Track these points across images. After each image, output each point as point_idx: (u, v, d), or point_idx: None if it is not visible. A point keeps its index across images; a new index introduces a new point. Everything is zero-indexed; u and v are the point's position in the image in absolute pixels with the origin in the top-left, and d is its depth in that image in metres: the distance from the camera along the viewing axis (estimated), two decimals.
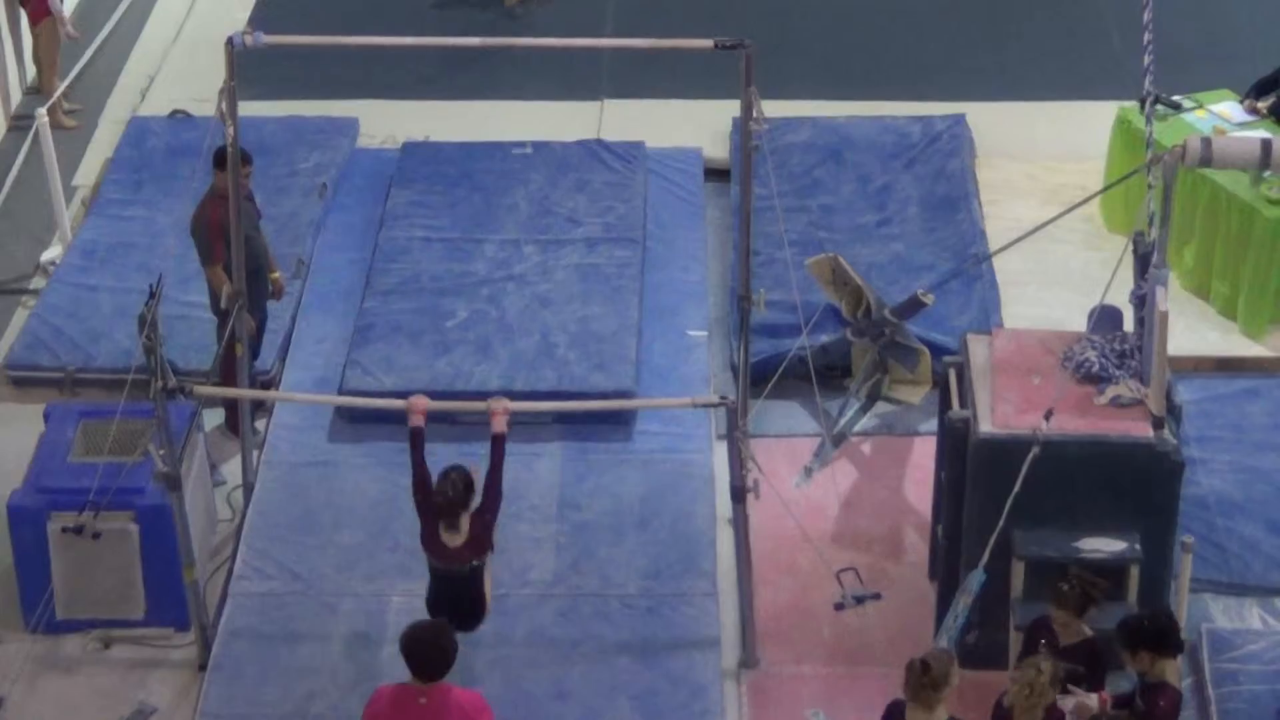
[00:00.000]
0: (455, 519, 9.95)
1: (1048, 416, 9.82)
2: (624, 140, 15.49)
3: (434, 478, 10.05)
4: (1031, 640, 9.74)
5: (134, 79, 16.97)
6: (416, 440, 10.12)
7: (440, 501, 9.95)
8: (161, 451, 10.42)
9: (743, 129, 11.32)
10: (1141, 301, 10.26)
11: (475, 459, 12.35)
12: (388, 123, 15.95)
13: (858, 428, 12.87)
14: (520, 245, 14.22)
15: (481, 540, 10.04)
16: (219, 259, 12.15)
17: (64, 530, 11.00)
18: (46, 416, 11.83)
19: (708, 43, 11.07)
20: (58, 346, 13.41)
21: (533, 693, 10.88)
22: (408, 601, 11.31)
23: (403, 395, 10.49)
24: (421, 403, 10.18)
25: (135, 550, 11.15)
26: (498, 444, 10.12)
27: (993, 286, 13.77)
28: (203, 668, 11.05)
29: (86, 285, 13.99)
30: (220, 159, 12.09)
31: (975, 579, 9.75)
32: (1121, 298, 10.46)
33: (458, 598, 10.11)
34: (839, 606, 10.44)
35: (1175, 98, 14.35)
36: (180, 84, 16.61)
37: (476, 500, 10.04)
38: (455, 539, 10.01)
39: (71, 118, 16.30)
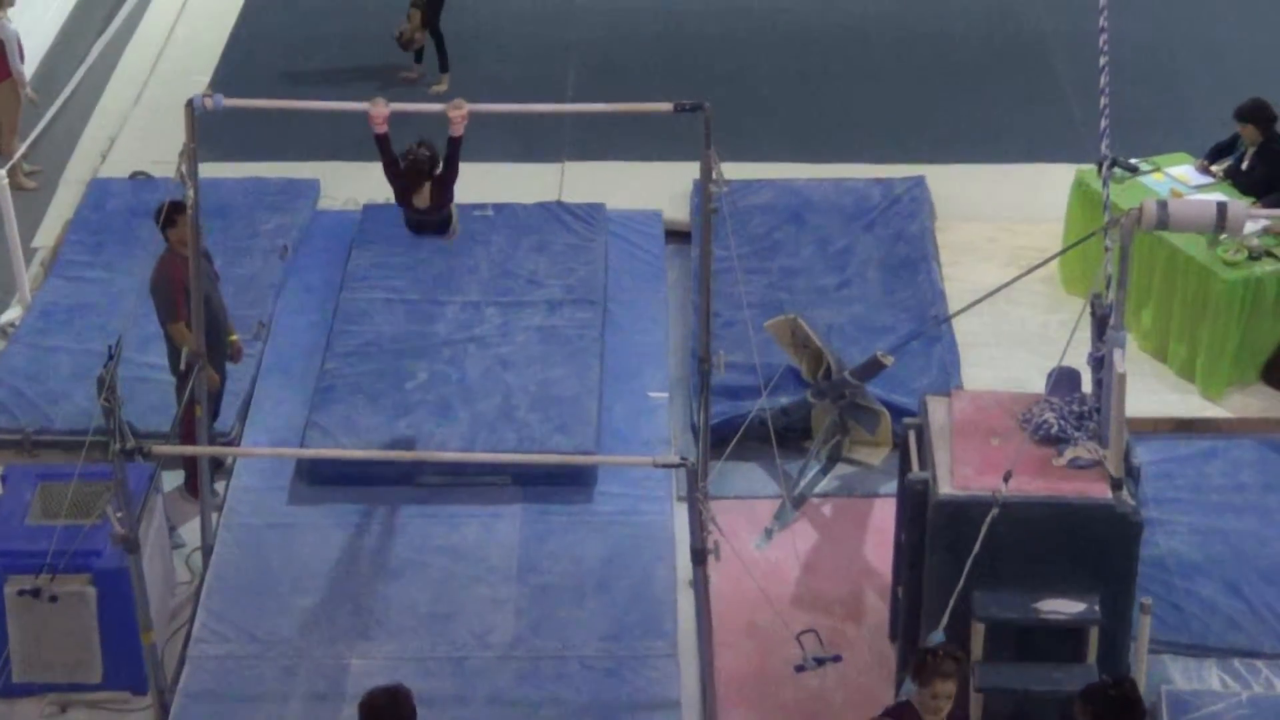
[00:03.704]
0: (420, 183, 11.55)
1: (1007, 478, 9.83)
2: (585, 202, 15.54)
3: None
4: None
5: (94, 141, 16.97)
6: (383, 144, 11.36)
7: (407, 167, 11.51)
8: (119, 514, 10.35)
9: (703, 191, 11.35)
10: (1100, 363, 10.30)
11: (438, 519, 12.41)
12: (349, 184, 15.96)
13: (818, 489, 12.88)
14: (481, 307, 14.23)
15: (443, 197, 11.64)
16: (181, 316, 12.10)
17: (20, 593, 10.93)
18: (4, 478, 11.78)
19: (667, 105, 11.12)
20: (16, 408, 13.36)
21: None
22: (367, 664, 11.27)
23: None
24: (382, 111, 11.18)
25: (92, 613, 11.08)
26: (454, 145, 11.36)
27: (952, 348, 13.82)
28: None
29: (45, 347, 13.94)
30: (163, 217, 12.08)
31: (935, 640, 9.74)
32: (1080, 359, 10.49)
33: (431, 227, 11.97)
34: (799, 668, 10.40)
35: (1132, 161, 14.45)
36: (141, 146, 16.61)
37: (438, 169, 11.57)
38: (422, 200, 11.60)
39: (31, 179, 16.29)
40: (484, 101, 11.80)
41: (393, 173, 11.61)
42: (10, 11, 16.01)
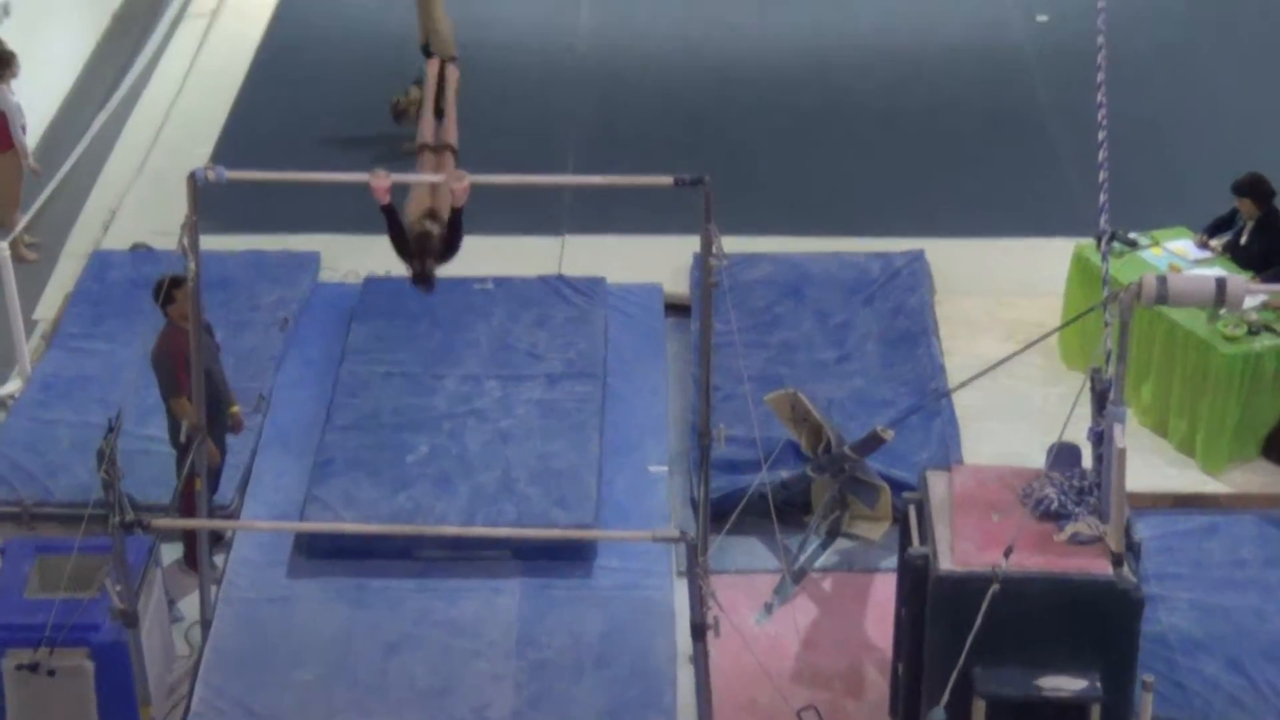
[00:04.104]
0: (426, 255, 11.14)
1: (1007, 554, 9.80)
2: (585, 276, 15.56)
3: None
4: None
5: (96, 213, 17.00)
6: (389, 215, 11.00)
7: (415, 244, 11.08)
8: (118, 587, 10.34)
9: (703, 265, 11.36)
10: (1100, 438, 10.29)
11: (437, 593, 12.38)
12: (349, 257, 15.98)
13: (818, 564, 12.86)
14: (481, 380, 14.23)
15: (445, 258, 11.22)
16: (184, 390, 12.11)
17: (19, 668, 10.91)
18: (3, 551, 11.76)
19: (667, 179, 11.13)
20: (15, 480, 13.34)
21: None
22: None
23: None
24: (383, 183, 10.82)
25: (91, 687, 11.04)
26: (456, 215, 11.09)
27: (952, 422, 13.81)
28: None
29: (45, 419, 13.94)
30: (163, 295, 12.11)
31: (936, 717, 9.71)
32: (1080, 434, 10.49)
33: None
34: None
35: (1131, 235, 14.47)
36: (142, 218, 16.64)
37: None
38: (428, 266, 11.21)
39: (33, 251, 16.31)
40: (484, 173, 11.81)
41: (399, 244, 11.41)
42: (14, 83, 16.07)
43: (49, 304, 15.63)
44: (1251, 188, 14.18)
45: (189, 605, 12.43)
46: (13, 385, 14.59)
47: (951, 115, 18.62)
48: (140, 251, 15.97)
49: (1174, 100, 18.74)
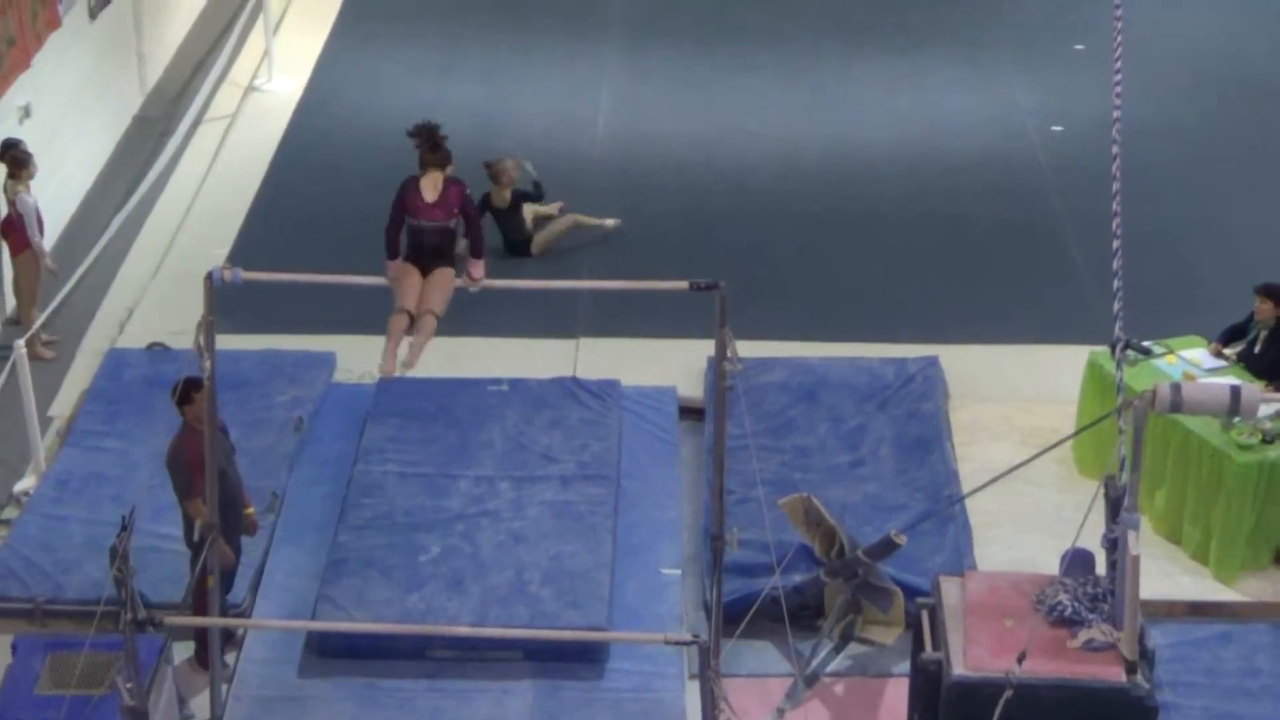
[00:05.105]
0: (434, 160, 11.48)
1: (1021, 659, 9.79)
2: (599, 378, 15.59)
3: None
4: None
5: (113, 311, 17.05)
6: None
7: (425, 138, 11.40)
8: (129, 685, 10.33)
9: (717, 369, 11.41)
10: (1113, 545, 10.29)
11: (448, 695, 12.34)
12: (365, 357, 15.97)
13: (830, 668, 12.81)
14: (495, 481, 14.24)
15: (452, 203, 11.42)
16: (198, 492, 12.14)
17: None
18: (14, 648, 11.75)
19: (683, 284, 11.19)
20: (28, 577, 13.34)
21: None
22: None
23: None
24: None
25: None
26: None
27: (965, 528, 13.79)
28: None
29: (59, 516, 13.95)
30: (180, 395, 12.17)
31: None
32: (1093, 541, 10.48)
33: (430, 249, 11.56)
34: None
35: (1146, 343, 14.50)
36: (159, 317, 16.68)
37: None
38: (431, 194, 11.46)
39: (50, 349, 16.37)
40: (501, 274, 11.88)
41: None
42: (32, 184, 16.18)
43: (64, 402, 15.67)
44: (1275, 291, 14.20)
45: (200, 704, 12.40)
46: (27, 482, 14.62)
47: (967, 223, 18.69)
48: (157, 350, 16.03)
49: (1188, 210, 18.81)
